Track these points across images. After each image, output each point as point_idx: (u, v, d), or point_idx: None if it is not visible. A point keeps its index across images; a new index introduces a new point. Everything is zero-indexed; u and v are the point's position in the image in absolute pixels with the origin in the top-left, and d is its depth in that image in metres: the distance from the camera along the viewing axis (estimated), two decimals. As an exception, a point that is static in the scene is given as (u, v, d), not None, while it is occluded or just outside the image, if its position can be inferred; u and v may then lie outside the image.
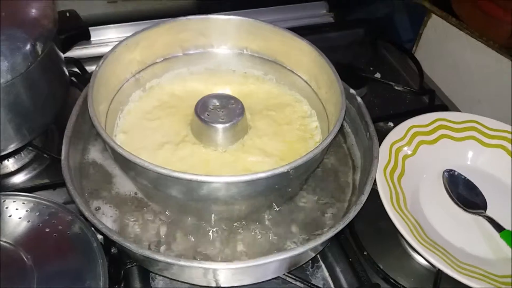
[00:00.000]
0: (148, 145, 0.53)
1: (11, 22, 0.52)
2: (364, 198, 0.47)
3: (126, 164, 0.44)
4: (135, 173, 0.46)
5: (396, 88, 0.79)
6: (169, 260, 0.41)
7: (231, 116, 0.52)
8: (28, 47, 0.51)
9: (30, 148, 0.63)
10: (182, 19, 0.58)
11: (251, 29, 0.60)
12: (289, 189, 0.51)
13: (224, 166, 0.52)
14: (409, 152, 0.61)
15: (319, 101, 0.58)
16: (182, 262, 0.41)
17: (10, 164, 0.63)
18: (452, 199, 0.59)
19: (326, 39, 0.89)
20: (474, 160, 0.63)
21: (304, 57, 0.58)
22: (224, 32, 0.61)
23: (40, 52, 0.53)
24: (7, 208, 0.50)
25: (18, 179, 0.62)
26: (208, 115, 0.52)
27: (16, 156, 0.63)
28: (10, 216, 0.49)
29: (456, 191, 0.59)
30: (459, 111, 0.78)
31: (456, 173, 0.61)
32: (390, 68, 0.86)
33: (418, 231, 0.53)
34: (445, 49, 0.84)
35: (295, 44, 0.58)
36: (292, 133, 0.57)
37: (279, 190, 0.47)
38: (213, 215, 0.50)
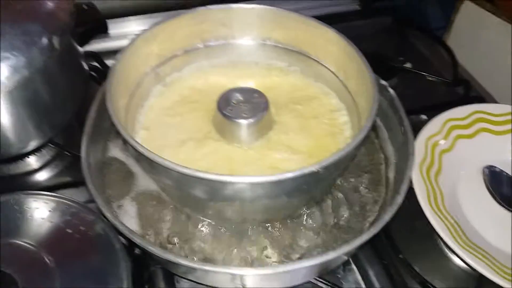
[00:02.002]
0: (170, 142, 0.51)
1: (26, 15, 0.50)
2: (400, 199, 0.44)
3: (148, 163, 0.42)
4: (157, 172, 0.43)
5: (428, 78, 0.75)
6: (194, 265, 0.39)
7: (255, 111, 0.49)
8: (44, 41, 0.50)
9: (51, 145, 0.61)
10: (202, 9, 0.55)
11: (274, 18, 0.57)
12: (319, 189, 0.48)
13: (249, 164, 0.49)
14: (446, 147, 0.57)
15: (349, 93, 0.54)
16: (207, 267, 0.39)
17: (33, 162, 0.61)
18: (494, 198, 0.55)
19: (352, 28, 0.85)
20: (517, 155, 0.59)
21: (331, 47, 0.54)
22: (246, 22, 0.57)
23: (57, 46, 0.51)
24: (29, 208, 0.49)
25: (41, 176, 0.61)
26: (231, 110, 0.49)
27: (37, 154, 0.61)
28: (31, 217, 0.48)
29: (498, 188, 0.55)
30: (497, 102, 0.73)
31: (497, 169, 0.57)
32: (421, 57, 0.82)
33: (458, 232, 0.50)
34: (480, 36, 0.79)
35: (321, 33, 0.54)
36: (320, 127, 0.54)
37: (308, 190, 0.44)
38: (239, 216, 0.47)
